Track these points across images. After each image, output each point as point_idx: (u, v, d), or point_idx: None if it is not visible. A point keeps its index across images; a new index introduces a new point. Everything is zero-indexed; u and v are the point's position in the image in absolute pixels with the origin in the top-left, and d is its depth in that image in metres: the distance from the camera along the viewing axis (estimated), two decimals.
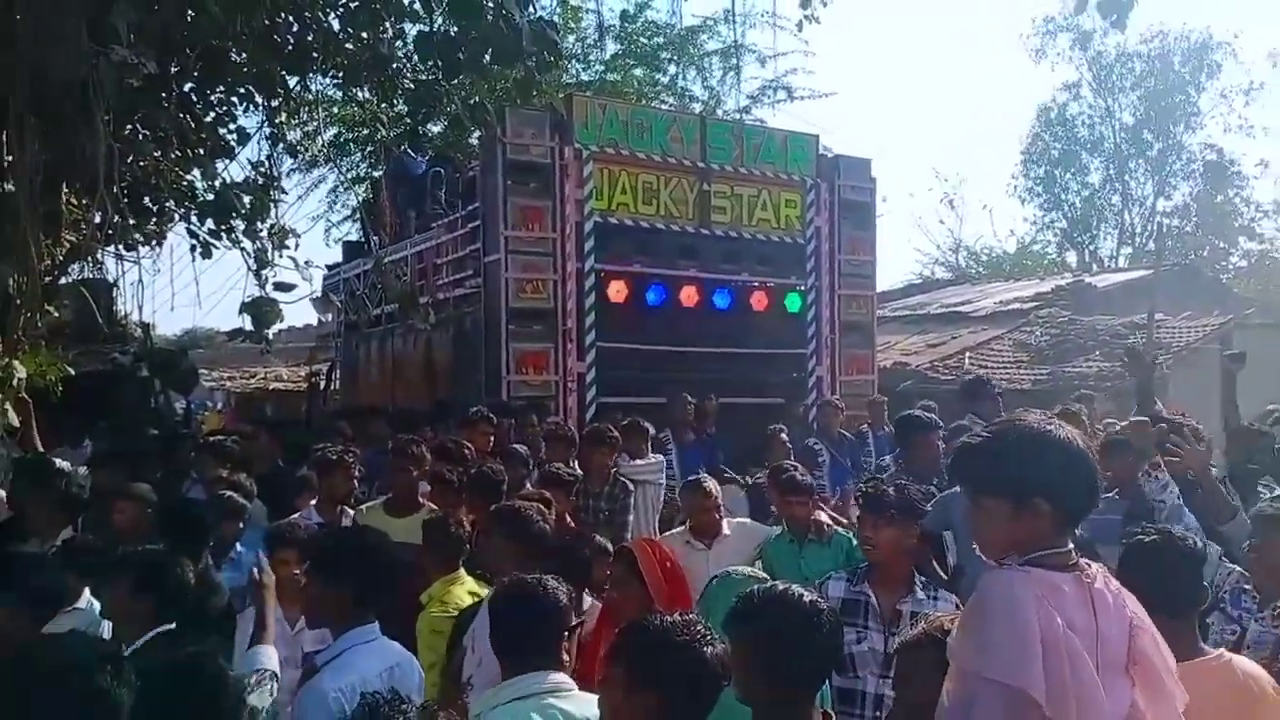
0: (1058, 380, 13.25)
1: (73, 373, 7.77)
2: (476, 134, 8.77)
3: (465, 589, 4.37)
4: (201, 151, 6.83)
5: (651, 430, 7.47)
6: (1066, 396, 10.32)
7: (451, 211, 10.98)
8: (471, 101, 7.13)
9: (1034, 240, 34.99)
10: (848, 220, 10.84)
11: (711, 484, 5.41)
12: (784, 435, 7.98)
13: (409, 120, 8.79)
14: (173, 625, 3.43)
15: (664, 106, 17.07)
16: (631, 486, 6.54)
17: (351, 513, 5.66)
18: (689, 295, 9.68)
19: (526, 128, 9.16)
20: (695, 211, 9.98)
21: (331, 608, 3.23)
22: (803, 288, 10.51)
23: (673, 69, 19.38)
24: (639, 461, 7.04)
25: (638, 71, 19.08)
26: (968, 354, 14.83)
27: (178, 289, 8.34)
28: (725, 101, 19.18)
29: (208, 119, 7.02)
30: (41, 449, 6.60)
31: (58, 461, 5.47)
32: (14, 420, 6.58)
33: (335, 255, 15.27)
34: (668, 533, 5.72)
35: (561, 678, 2.89)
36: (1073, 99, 33.65)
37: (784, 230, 10.51)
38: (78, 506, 5.15)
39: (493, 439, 7.19)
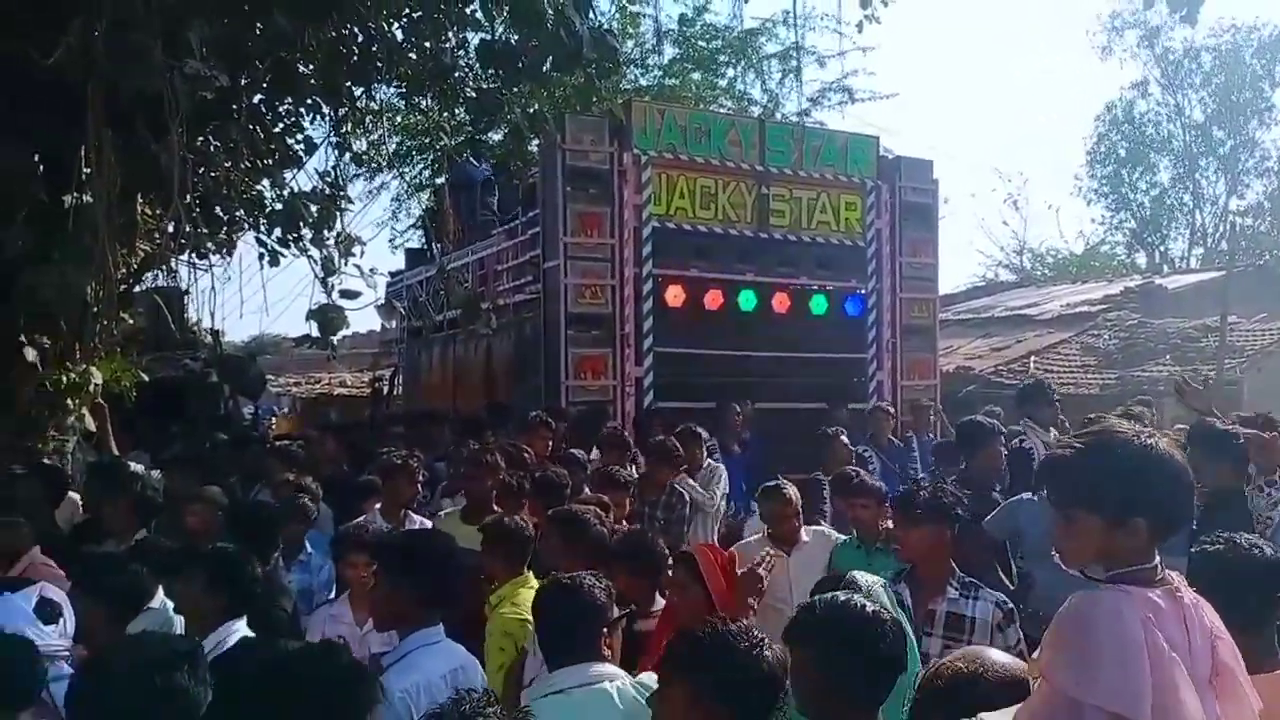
0: (1126, 385, 12.97)
1: (146, 379, 7.98)
2: (536, 141, 8.84)
3: (533, 591, 4.39)
4: (270, 162, 7.01)
5: (706, 435, 7.44)
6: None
7: (504, 218, 11.05)
8: (531, 110, 7.21)
9: (1102, 241, 34.35)
10: (909, 222, 10.68)
11: (791, 490, 5.26)
12: (844, 437, 7.81)
13: (471, 129, 8.88)
14: (244, 621, 3.51)
15: (722, 110, 17.02)
16: (688, 497, 6.52)
17: (416, 517, 5.74)
18: (747, 300, 9.62)
19: (586, 134, 9.18)
20: (754, 215, 9.91)
21: (398, 609, 3.28)
22: (863, 291, 10.42)
23: (731, 72, 19.28)
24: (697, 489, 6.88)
25: (696, 75, 18.98)
26: (1033, 358, 14.60)
27: (246, 296, 8.58)
28: (784, 104, 19.03)
29: (276, 130, 7.20)
30: (117, 453, 6.79)
31: (132, 465, 5.65)
32: (91, 425, 6.80)
33: (399, 262, 15.49)
34: (744, 540, 5.58)
35: (602, 668, 3.00)
36: (1140, 96, 33.00)
37: (844, 233, 10.40)
38: (152, 509, 5.30)
39: (551, 443, 7.25)
